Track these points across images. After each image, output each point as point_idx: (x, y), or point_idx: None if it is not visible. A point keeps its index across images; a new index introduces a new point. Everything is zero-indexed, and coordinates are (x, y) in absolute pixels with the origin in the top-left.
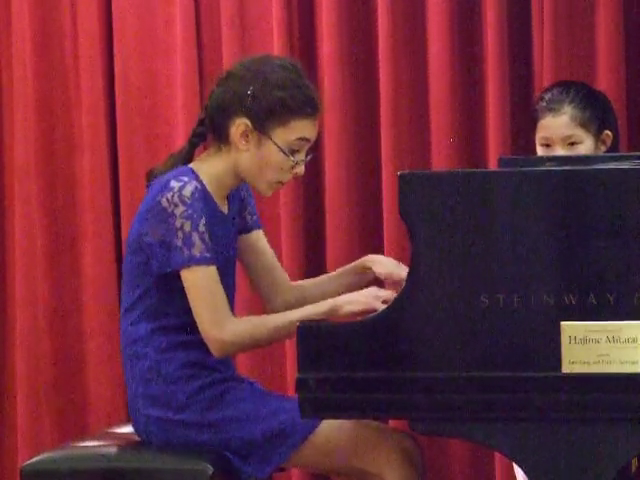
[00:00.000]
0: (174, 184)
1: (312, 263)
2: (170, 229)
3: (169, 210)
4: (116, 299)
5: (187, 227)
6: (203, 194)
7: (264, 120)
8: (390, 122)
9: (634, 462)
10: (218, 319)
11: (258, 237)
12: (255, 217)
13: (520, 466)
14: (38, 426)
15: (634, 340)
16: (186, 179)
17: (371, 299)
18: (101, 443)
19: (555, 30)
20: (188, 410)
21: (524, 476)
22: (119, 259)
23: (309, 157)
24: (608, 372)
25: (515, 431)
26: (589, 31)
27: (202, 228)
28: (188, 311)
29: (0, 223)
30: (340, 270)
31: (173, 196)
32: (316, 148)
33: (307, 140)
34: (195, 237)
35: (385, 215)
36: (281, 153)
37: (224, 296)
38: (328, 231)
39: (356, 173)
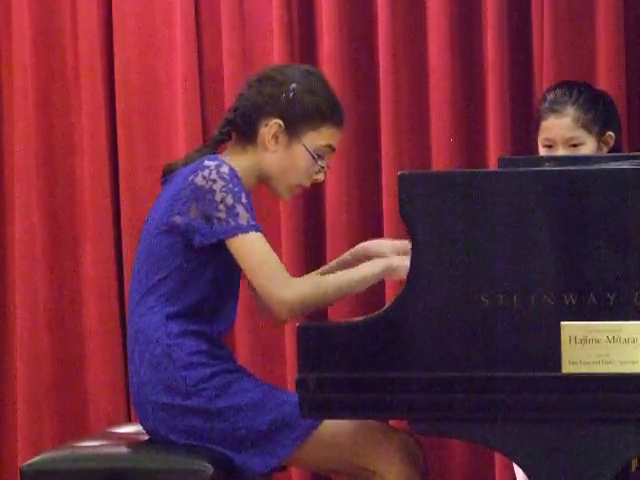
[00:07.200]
0: (209, 163)
1: (312, 263)
2: (210, 204)
3: (206, 187)
4: (116, 299)
5: (229, 200)
6: (239, 177)
7: (298, 123)
8: (390, 122)
9: (634, 462)
10: (283, 280)
11: None
12: None
13: (520, 466)
14: (38, 426)
15: (634, 340)
16: (219, 161)
17: None
18: (101, 443)
19: (555, 30)
20: (196, 397)
21: (524, 476)
22: (119, 259)
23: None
24: (608, 372)
25: (515, 431)
26: (589, 31)
27: (245, 200)
28: (204, 296)
29: (0, 223)
30: (340, 260)
31: (210, 173)
32: None
33: (332, 148)
34: (239, 208)
35: (385, 215)
36: (309, 157)
37: (279, 259)
38: (328, 231)
39: (356, 173)
